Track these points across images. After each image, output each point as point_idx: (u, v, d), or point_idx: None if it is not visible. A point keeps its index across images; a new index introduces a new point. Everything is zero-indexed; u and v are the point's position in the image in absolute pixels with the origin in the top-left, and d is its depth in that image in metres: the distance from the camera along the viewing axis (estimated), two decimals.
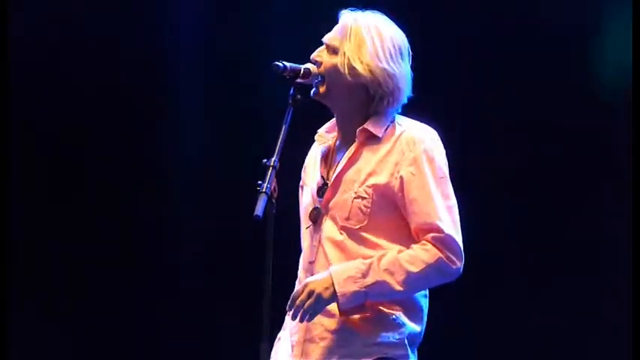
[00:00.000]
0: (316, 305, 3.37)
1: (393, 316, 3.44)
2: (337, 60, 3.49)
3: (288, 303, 3.40)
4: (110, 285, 5.64)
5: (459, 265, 3.42)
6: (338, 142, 3.59)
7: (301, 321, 3.40)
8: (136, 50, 5.68)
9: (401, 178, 3.44)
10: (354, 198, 3.46)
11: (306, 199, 3.58)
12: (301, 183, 3.69)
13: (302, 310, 3.37)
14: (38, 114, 5.68)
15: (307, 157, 3.69)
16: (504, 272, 5.44)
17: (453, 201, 3.48)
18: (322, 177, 3.55)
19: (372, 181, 3.47)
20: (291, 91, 3.43)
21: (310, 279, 3.42)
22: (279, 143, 3.35)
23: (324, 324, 3.45)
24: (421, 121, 3.56)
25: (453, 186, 3.51)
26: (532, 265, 5.43)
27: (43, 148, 5.69)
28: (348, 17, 3.54)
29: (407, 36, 3.55)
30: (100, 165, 5.70)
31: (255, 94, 5.52)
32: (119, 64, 5.68)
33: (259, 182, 3.25)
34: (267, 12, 5.60)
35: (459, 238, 3.43)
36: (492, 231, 5.33)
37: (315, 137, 3.63)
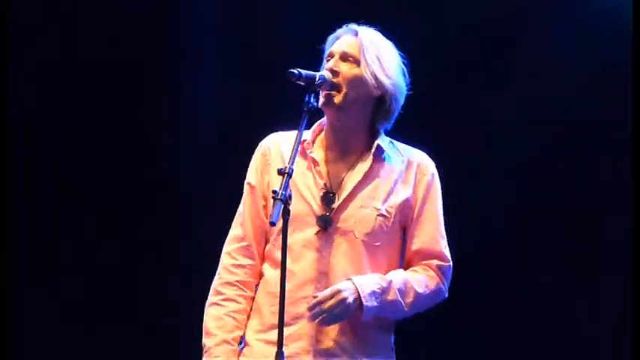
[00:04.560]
0: (341, 313, 3.42)
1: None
2: (359, 71, 3.53)
3: (312, 303, 3.42)
4: (113, 286, 5.64)
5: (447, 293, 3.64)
6: (329, 154, 3.60)
7: (321, 323, 3.42)
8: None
9: (417, 199, 3.58)
10: (377, 215, 3.54)
11: (299, 205, 3.52)
12: (259, 182, 3.62)
13: (325, 314, 3.40)
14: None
15: (267, 155, 3.63)
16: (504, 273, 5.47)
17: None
18: (325, 185, 3.55)
19: (393, 200, 3.57)
20: (306, 98, 3.44)
21: (338, 287, 3.44)
22: (293, 150, 3.36)
23: (339, 341, 3.50)
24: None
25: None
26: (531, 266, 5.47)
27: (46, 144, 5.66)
28: (359, 30, 3.59)
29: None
30: (101, 163, 5.68)
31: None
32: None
33: (274, 189, 3.26)
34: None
35: None
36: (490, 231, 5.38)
37: (305, 145, 3.60)
